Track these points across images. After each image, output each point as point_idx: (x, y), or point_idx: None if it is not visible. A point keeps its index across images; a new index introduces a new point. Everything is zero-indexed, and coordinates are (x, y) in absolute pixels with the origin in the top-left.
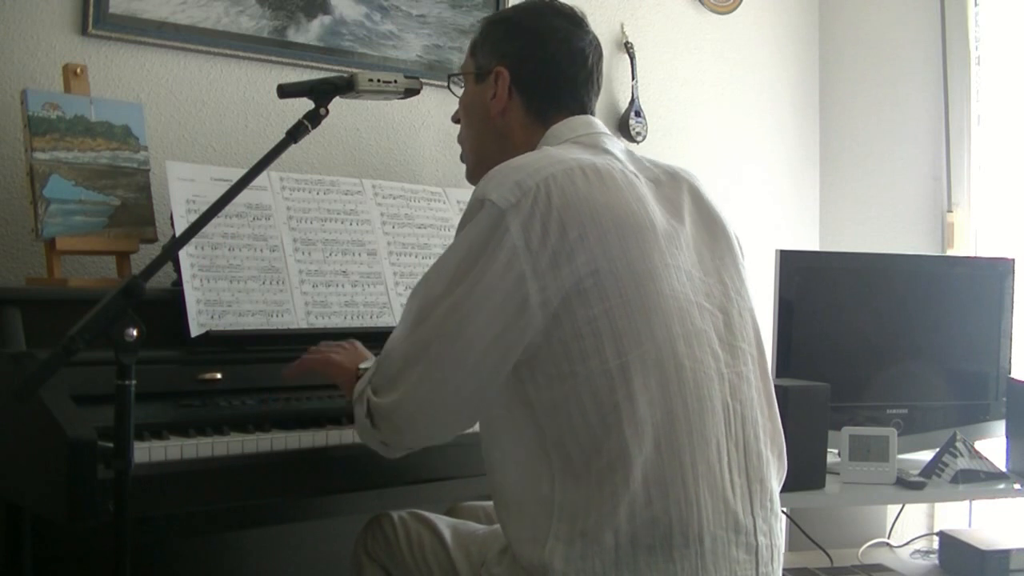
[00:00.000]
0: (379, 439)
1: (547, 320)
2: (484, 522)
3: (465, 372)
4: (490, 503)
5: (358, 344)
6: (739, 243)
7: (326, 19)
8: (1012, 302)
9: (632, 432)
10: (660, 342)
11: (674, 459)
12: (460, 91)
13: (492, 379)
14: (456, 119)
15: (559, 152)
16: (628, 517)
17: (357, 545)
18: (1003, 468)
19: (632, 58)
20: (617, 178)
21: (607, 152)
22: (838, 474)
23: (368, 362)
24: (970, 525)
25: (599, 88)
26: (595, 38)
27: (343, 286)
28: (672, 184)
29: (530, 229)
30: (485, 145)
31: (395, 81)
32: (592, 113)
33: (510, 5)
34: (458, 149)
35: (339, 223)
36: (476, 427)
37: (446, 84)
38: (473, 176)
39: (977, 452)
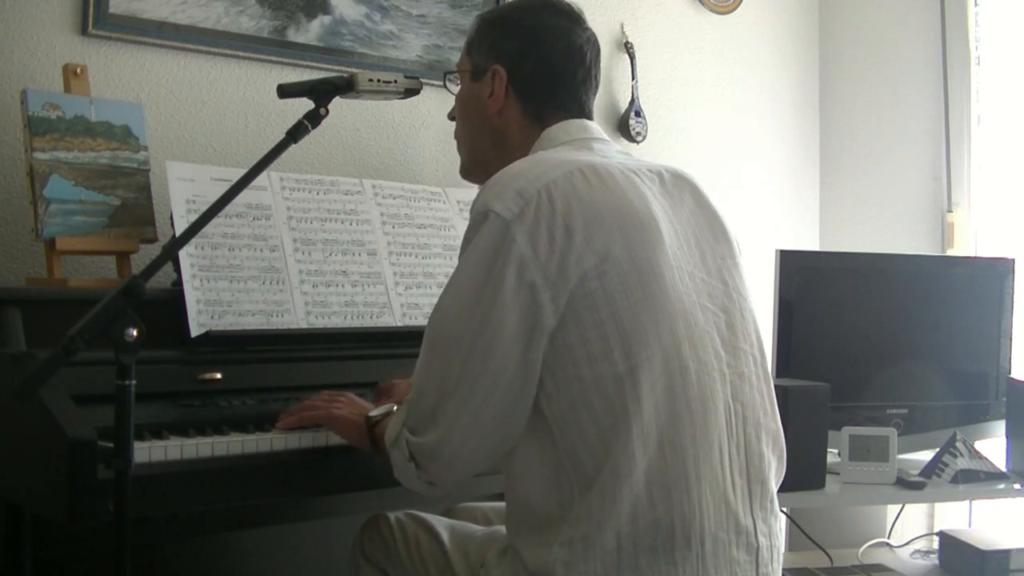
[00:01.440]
0: (425, 480)
1: (557, 325)
2: (482, 523)
3: (501, 393)
4: (487, 504)
5: (353, 396)
6: (739, 245)
7: (326, 19)
8: (1012, 302)
9: (639, 435)
10: (666, 344)
11: (677, 461)
12: (456, 88)
13: (526, 392)
14: (452, 116)
15: (556, 156)
16: (631, 519)
17: (354, 546)
18: (1003, 468)
19: (632, 58)
20: (617, 177)
21: (602, 156)
22: (838, 474)
23: (378, 410)
24: (970, 525)
25: (597, 85)
26: (592, 35)
27: (343, 286)
28: (674, 182)
29: (536, 237)
30: (481, 143)
31: (395, 81)
32: (590, 111)
33: (506, 2)
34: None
35: (339, 223)
36: None
37: (442, 82)
38: (467, 172)
39: (977, 452)
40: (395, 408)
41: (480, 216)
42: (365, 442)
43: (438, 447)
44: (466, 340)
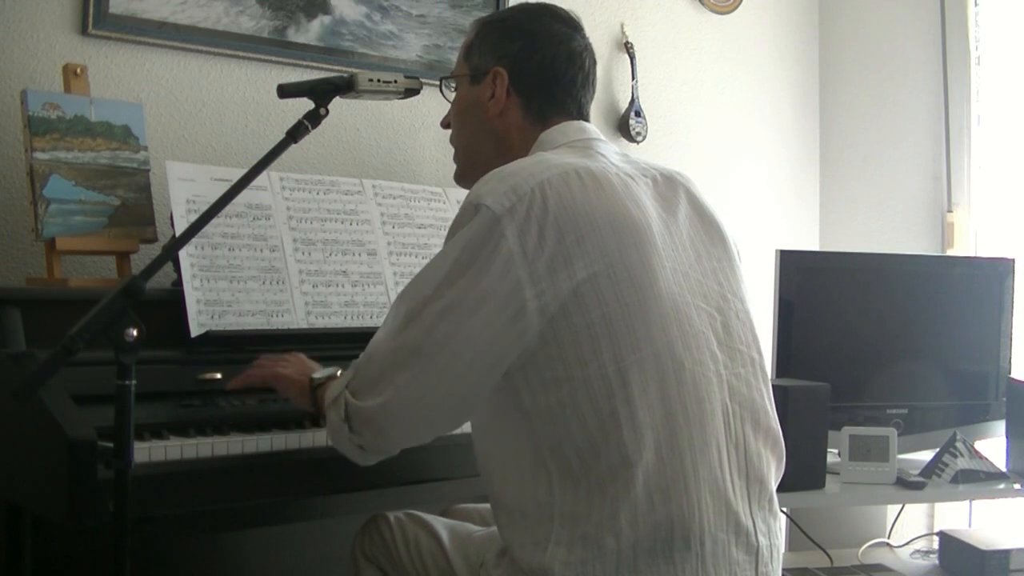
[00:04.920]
0: (357, 443)
1: (544, 325)
2: (479, 525)
3: (454, 376)
4: (485, 506)
5: (302, 356)
6: (736, 247)
7: (326, 19)
8: (1012, 302)
9: (631, 438)
10: (658, 346)
11: (675, 464)
12: (452, 95)
13: (482, 384)
14: (446, 124)
15: (553, 157)
16: (630, 522)
17: (354, 546)
18: (1003, 468)
19: (632, 58)
20: (613, 181)
21: (601, 156)
22: (838, 474)
23: (321, 371)
24: (970, 525)
25: (594, 92)
26: (590, 44)
27: (343, 286)
28: (668, 185)
29: (526, 235)
30: (480, 147)
31: (395, 81)
32: (588, 115)
33: (506, 7)
34: None
35: (339, 223)
36: (470, 428)
37: (439, 87)
38: (463, 178)
39: (977, 452)
40: (339, 372)
41: (471, 208)
42: (307, 402)
43: (376, 414)
44: (432, 317)
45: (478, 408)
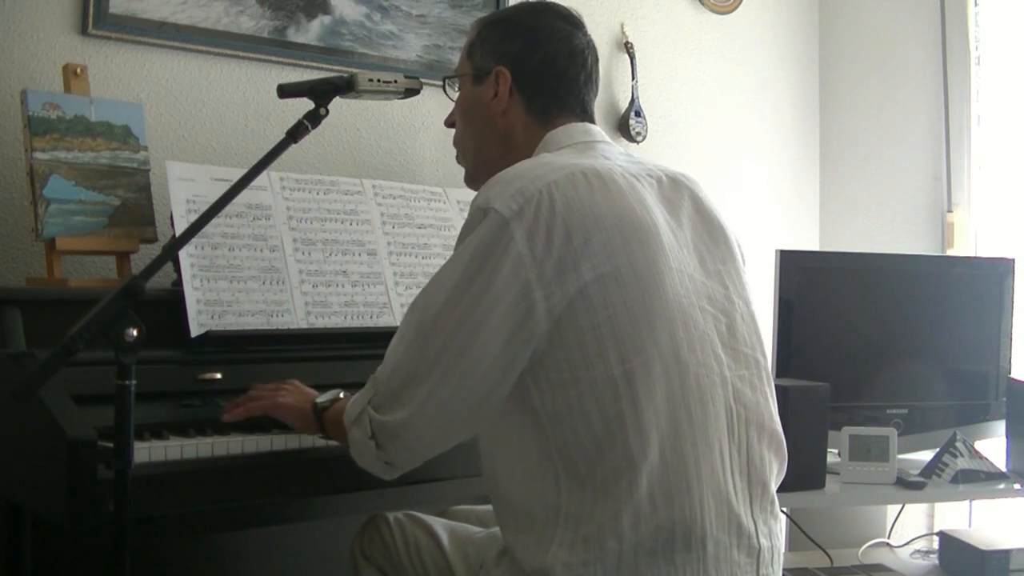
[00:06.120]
0: (384, 460)
1: (551, 326)
2: (477, 526)
3: (475, 384)
4: (483, 507)
5: (298, 382)
6: (740, 248)
7: (326, 19)
8: (1012, 302)
9: (636, 440)
10: (664, 348)
11: (679, 466)
12: (455, 94)
13: (501, 388)
14: (450, 123)
15: (557, 158)
16: (632, 524)
17: (354, 546)
18: (1003, 468)
19: (632, 58)
20: (619, 181)
21: (606, 157)
22: (838, 474)
23: (325, 396)
24: (970, 525)
25: (597, 89)
26: (592, 40)
27: (343, 286)
28: (673, 186)
29: (535, 236)
30: (486, 147)
31: (395, 81)
32: (592, 113)
33: (507, 6)
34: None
35: (339, 223)
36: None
37: (441, 86)
38: (473, 179)
39: (977, 452)
40: (342, 395)
41: (479, 212)
42: (312, 428)
43: (402, 427)
44: (448, 326)
45: (497, 409)
